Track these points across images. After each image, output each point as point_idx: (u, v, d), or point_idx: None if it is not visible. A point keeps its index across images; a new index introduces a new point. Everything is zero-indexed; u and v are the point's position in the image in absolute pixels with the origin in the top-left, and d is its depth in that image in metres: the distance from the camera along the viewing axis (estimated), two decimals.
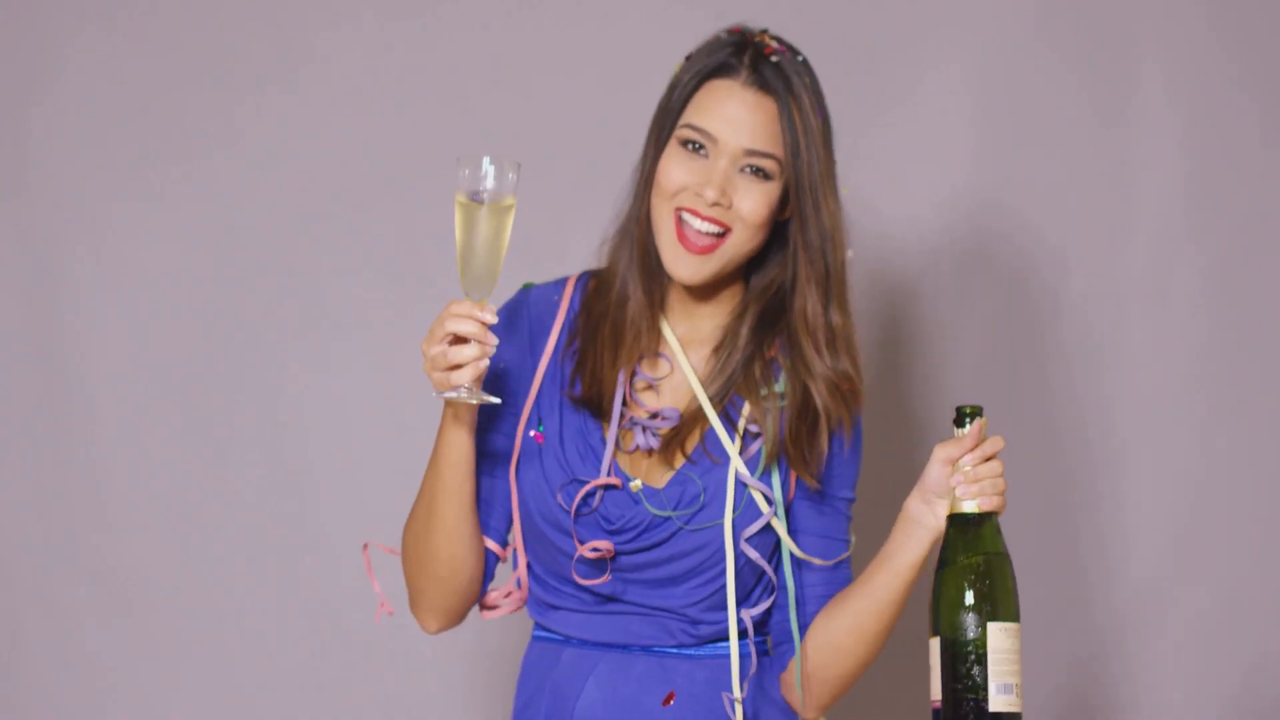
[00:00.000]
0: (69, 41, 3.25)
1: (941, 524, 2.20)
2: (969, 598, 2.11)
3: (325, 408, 3.24)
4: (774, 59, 2.30)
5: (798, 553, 2.31)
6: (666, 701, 2.29)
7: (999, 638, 2.09)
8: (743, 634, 2.32)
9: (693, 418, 2.32)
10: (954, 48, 3.27)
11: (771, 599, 2.33)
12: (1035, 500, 3.23)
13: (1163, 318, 3.29)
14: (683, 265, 2.28)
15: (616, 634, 2.31)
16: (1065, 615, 3.24)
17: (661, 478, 2.30)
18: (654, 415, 2.32)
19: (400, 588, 2.38)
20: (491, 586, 2.38)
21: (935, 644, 2.11)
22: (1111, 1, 3.29)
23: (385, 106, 3.25)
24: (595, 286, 2.38)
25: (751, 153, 2.27)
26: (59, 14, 3.25)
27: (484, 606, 2.39)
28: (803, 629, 2.33)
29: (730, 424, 2.32)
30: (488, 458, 2.33)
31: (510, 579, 2.38)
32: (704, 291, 2.35)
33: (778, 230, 2.33)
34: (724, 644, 2.32)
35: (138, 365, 3.23)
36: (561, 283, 2.40)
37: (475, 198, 2.17)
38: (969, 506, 2.16)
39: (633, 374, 2.34)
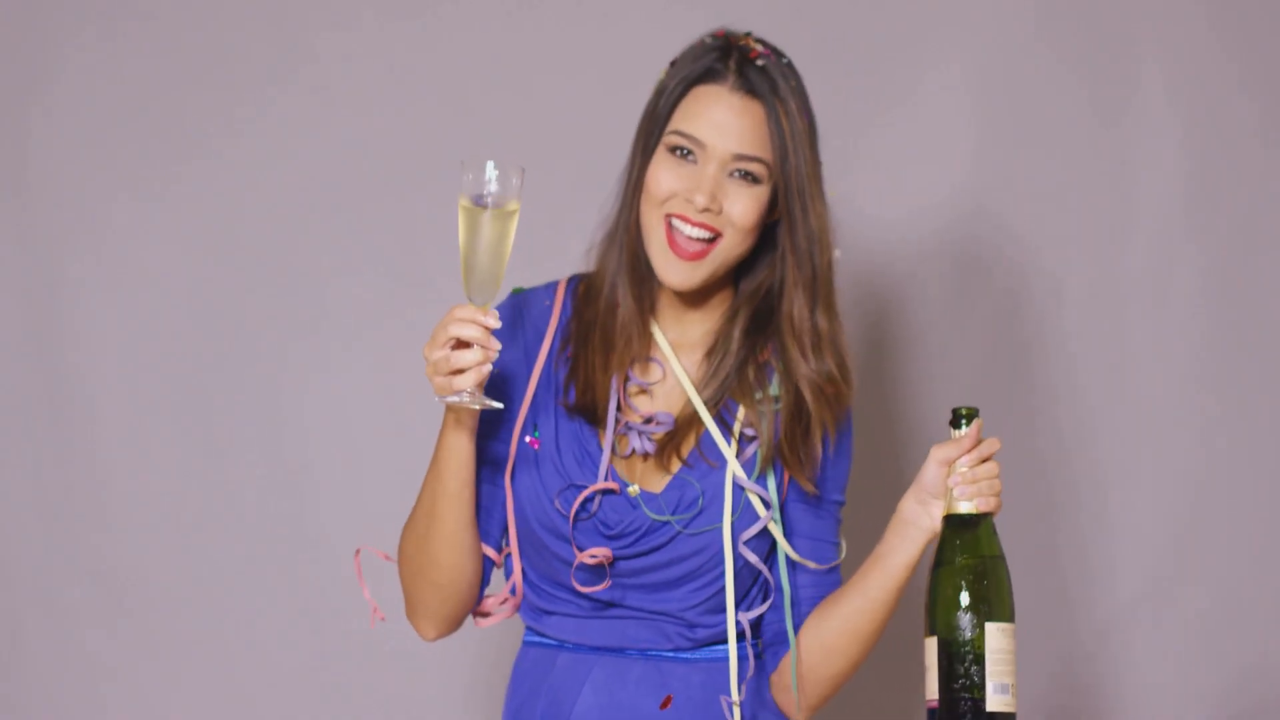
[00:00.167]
0: (69, 41, 3.26)
1: (937, 525, 2.22)
2: (967, 598, 2.12)
3: (325, 408, 3.25)
4: (759, 62, 2.30)
5: (794, 556, 2.33)
6: (664, 705, 2.30)
7: (996, 638, 2.11)
8: (740, 636, 2.33)
9: (687, 422, 2.33)
10: (954, 48, 3.28)
11: (768, 602, 2.35)
12: (1035, 500, 3.25)
13: (1163, 318, 3.29)
14: (674, 271, 2.29)
15: (613, 638, 2.32)
16: (1065, 615, 3.25)
17: (658, 482, 2.32)
18: (648, 420, 2.33)
19: (395, 592, 2.39)
20: (486, 593, 2.38)
21: (931, 644, 2.12)
22: (1111, 1, 3.30)
23: (385, 106, 3.25)
24: (584, 291, 2.38)
25: (740, 157, 2.28)
26: (59, 14, 3.26)
27: (478, 614, 2.39)
28: (794, 631, 2.35)
29: (725, 428, 2.33)
30: (485, 464, 2.33)
31: (505, 586, 2.37)
32: (694, 297, 2.36)
33: (766, 233, 2.34)
34: (719, 647, 2.34)
35: (138, 365, 3.24)
36: (552, 287, 2.41)
37: (479, 202, 2.17)
38: (965, 507, 2.17)
39: (625, 379, 2.34)
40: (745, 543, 2.31)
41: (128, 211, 3.25)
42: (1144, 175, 3.30)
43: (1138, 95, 3.30)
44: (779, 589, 2.35)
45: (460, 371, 2.16)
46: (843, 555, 2.38)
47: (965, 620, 2.11)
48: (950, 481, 2.19)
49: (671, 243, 2.29)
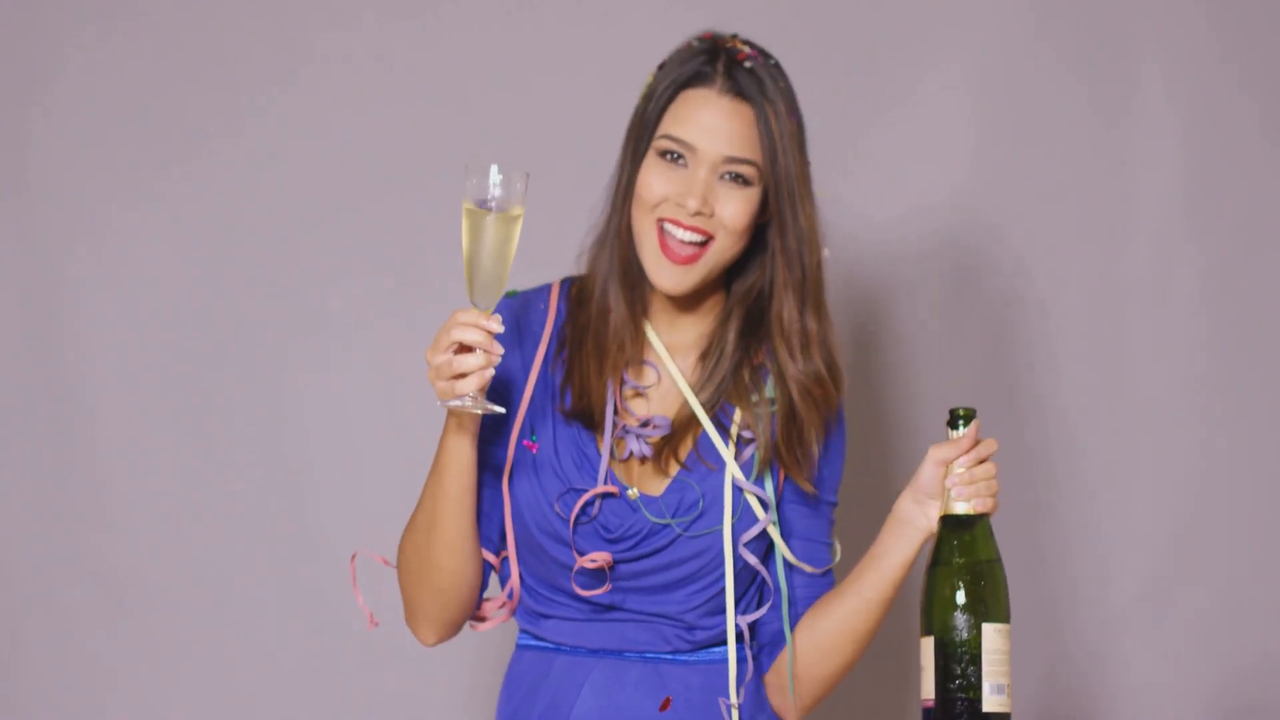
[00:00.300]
0: (69, 41, 3.25)
1: (933, 524, 2.24)
2: (965, 598, 2.14)
3: (325, 408, 3.25)
4: (747, 64, 2.31)
5: (791, 559, 2.34)
6: (664, 707, 2.31)
7: (993, 639, 2.12)
8: (739, 638, 2.35)
9: (683, 425, 2.34)
10: (954, 48, 3.29)
11: (768, 605, 2.36)
12: (1036, 500, 3.26)
13: (1163, 318, 3.30)
14: (667, 276, 2.30)
15: (612, 641, 2.33)
16: (1065, 615, 3.26)
17: (657, 485, 2.33)
18: (645, 423, 2.34)
19: (394, 596, 2.40)
20: (484, 597, 2.39)
21: (928, 643, 2.14)
22: (1111, 1, 3.30)
23: (385, 106, 3.25)
24: (577, 295, 2.39)
25: (731, 160, 2.29)
26: (59, 14, 3.25)
27: (476, 619, 2.39)
28: (791, 631, 2.36)
29: (723, 431, 2.34)
30: (484, 468, 2.33)
31: (503, 590, 2.38)
32: (686, 301, 2.37)
33: (757, 234, 2.35)
34: (717, 649, 2.35)
35: (138, 365, 3.24)
36: (545, 289, 2.42)
37: (483, 206, 2.18)
38: (962, 508, 2.19)
39: (621, 383, 2.35)
40: (744, 545, 2.32)
41: (128, 211, 3.25)
42: (1144, 175, 3.31)
43: (1138, 95, 3.31)
44: (776, 590, 2.36)
45: (463, 376, 2.17)
46: (837, 558, 2.40)
47: (962, 621, 2.13)
48: (948, 482, 2.21)
49: (664, 247, 2.30)
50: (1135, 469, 3.30)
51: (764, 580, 2.36)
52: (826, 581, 2.39)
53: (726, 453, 2.33)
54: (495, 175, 2.18)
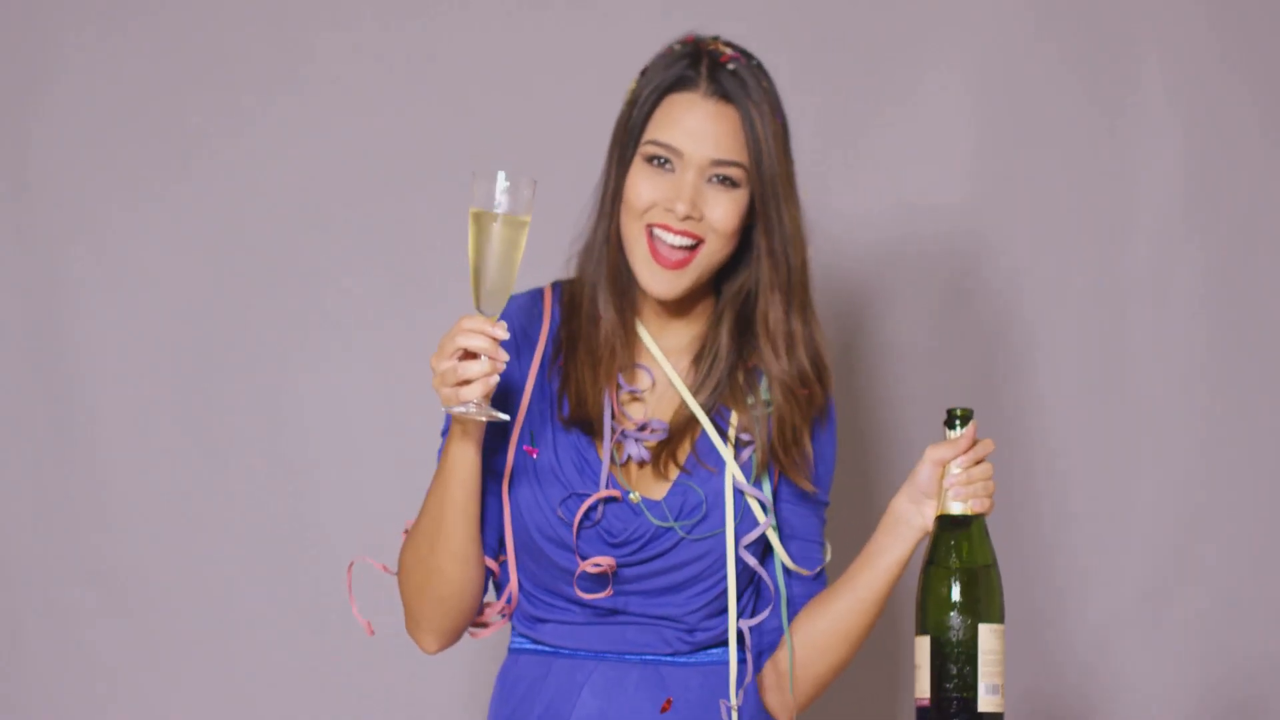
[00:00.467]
0: (69, 41, 3.26)
1: (929, 524, 2.26)
2: (961, 599, 2.16)
3: (325, 408, 3.25)
4: (730, 66, 2.31)
5: (789, 563, 2.36)
6: (664, 708, 2.32)
7: (988, 639, 2.15)
8: (740, 641, 2.36)
9: (681, 428, 2.35)
10: (954, 48, 3.29)
11: (768, 609, 2.38)
12: (1036, 500, 3.27)
13: (1163, 318, 3.31)
14: (658, 281, 2.31)
15: (611, 643, 2.34)
16: (1065, 615, 3.28)
17: (658, 489, 2.34)
18: (643, 427, 2.35)
19: (394, 597, 2.40)
20: (484, 602, 2.39)
21: (923, 642, 2.16)
22: (1111, 1, 3.31)
23: (385, 107, 3.26)
24: (569, 300, 2.40)
25: (718, 162, 2.30)
26: (59, 14, 3.26)
27: (476, 625, 2.39)
28: (781, 632, 2.38)
29: (720, 433, 2.36)
30: (485, 474, 2.32)
31: (501, 595, 2.38)
32: (677, 305, 2.38)
33: (744, 236, 2.36)
34: (716, 650, 2.36)
35: (138, 366, 3.24)
36: (538, 293, 2.43)
37: (490, 212, 2.17)
38: (959, 508, 2.21)
39: (617, 387, 2.36)
40: (745, 547, 2.34)
41: (128, 211, 3.26)
42: (1144, 175, 3.31)
43: (1138, 95, 3.31)
44: (776, 592, 2.38)
45: (467, 382, 2.16)
46: (828, 558, 2.41)
47: (958, 620, 2.15)
48: (945, 482, 2.23)
49: (654, 253, 2.31)
50: (1135, 469, 3.31)
51: (761, 581, 2.38)
52: (820, 581, 2.41)
53: (727, 453, 2.34)
54: (503, 182, 2.18)
